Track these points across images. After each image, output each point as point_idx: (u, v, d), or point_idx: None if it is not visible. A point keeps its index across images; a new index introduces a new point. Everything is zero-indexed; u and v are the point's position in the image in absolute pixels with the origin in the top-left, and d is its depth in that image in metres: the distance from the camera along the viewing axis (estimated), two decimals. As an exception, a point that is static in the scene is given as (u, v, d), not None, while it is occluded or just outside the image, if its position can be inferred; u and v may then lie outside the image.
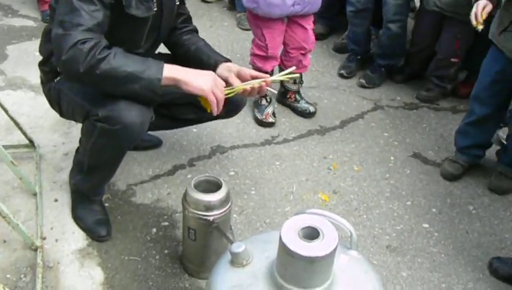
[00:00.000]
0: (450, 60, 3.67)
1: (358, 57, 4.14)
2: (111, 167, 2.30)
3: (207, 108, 2.01)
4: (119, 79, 1.85)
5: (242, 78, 2.20)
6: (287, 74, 2.26)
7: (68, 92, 2.17)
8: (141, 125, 2.03)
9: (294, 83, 3.47)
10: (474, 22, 2.59)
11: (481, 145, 3.05)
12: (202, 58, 2.35)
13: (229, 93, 2.09)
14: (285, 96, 3.56)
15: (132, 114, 1.98)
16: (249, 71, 2.24)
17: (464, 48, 3.61)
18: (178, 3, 2.31)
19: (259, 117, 3.37)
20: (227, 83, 2.14)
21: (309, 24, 3.25)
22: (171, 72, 1.92)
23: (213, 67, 2.27)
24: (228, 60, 2.33)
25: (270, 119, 3.36)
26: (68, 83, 2.17)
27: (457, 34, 3.53)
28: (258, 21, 3.13)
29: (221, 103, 1.99)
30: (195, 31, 2.53)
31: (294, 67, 2.32)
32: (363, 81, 3.95)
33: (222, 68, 2.26)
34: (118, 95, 1.95)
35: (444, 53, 3.67)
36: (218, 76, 2.11)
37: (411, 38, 4.04)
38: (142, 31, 2.15)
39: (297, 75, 2.30)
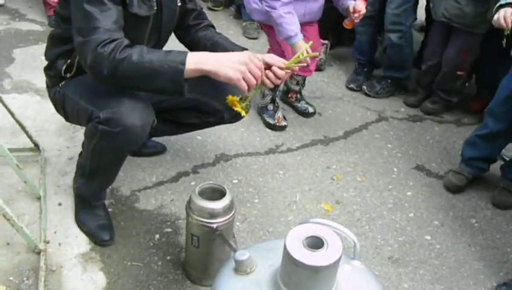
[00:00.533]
0: (455, 73, 3.66)
1: (365, 69, 4.15)
2: (112, 170, 2.30)
3: (234, 107, 1.98)
4: (141, 76, 1.84)
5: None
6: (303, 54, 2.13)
7: (73, 96, 2.18)
8: (142, 128, 2.03)
9: (297, 84, 3.56)
10: (503, 25, 2.58)
11: (487, 158, 3.05)
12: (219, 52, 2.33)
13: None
14: (287, 95, 3.66)
15: (133, 117, 1.98)
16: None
17: (470, 60, 3.60)
18: (180, 4, 2.28)
19: (271, 122, 3.42)
20: None
21: (315, 30, 3.31)
22: (195, 63, 1.87)
23: None
24: (245, 50, 2.27)
25: (283, 123, 3.43)
26: (72, 87, 2.19)
27: (464, 46, 3.52)
28: (273, 32, 3.16)
29: (257, 81, 1.94)
30: (211, 26, 2.49)
31: (311, 42, 2.23)
32: (365, 87, 3.99)
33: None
34: (147, 91, 1.96)
35: (449, 66, 3.65)
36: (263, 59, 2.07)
37: (422, 56, 4.00)
38: (144, 31, 2.14)
39: (316, 53, 2.27)
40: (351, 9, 3.04)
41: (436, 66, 3.78)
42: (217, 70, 1.88)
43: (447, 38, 3.65)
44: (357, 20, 3.10)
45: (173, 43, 2.41)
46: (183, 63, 1.84)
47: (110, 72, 1.82)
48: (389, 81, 4.01)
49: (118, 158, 2.23)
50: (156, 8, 2.11)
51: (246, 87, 1.90)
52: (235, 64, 1.89)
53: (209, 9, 5.18)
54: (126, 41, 1.87)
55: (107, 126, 1.99)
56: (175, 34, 2.47)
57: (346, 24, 3.21)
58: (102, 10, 1.87)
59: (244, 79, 1.89)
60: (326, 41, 4.27)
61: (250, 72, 1.91)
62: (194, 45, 2.42)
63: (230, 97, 2.02)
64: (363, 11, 3.05)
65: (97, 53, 1.81)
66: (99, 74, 1.85)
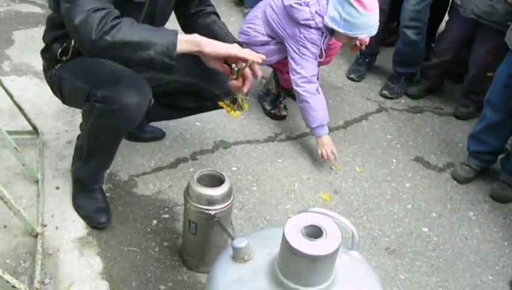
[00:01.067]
0: (485, 74, 3.49)
1: (367, 60, 4.14)
2: (109, 151, 2.30)
3: (228, 110, 2.00)
4: (132, 45, 1.79)
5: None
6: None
7: (69, 77, 2.17)
8: (139, 106, 2.02)
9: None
10: None
11: (492, 151, 3.06)
12: None
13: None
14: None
15: (131, 95, 1.98)
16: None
17: (498, 60, 3.33)
18: None
19: (272, 111, 3.41)
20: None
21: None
22: (189, 36, 1.89)
23: None
24: (237, 42, 2.26)
25: (283, 113, 3.44)
26: (68, 68, 2.17)
27: (492, 46, 3.40)
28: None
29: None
30: (213, 12, 2.44)
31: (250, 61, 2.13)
32: (385, 92, 3.90)
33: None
34: (134, 64, 1.91)
35: (478, 68, 3.55)
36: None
37: (433, 48, 3.97)
38: (138, 16, 2.12)
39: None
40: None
41: (448, 62, 3.75)
42: (213, 43, 1.90)
43: (466, 37, 3.59)
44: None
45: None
46: (176, 36, 1.82)
47: (99, 37, 1.75)
48: (402, 77, 3.95)
49: (115, 138, 2.22)
50: None
51: (249, 53, 1.93)
52: (221, 43, 1.93)
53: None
54: (117, 12, 1.82)
55: (104, 104, 1.99)
56: (178, 22, 2.46)
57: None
58: None
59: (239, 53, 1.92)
60: None
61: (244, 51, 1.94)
62: (191, 31, 2.40)
63: (221, 102, 2.10)
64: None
65: (88, 15, 1.74)
66: (86, 38, 1.76)
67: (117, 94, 1.97)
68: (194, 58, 2.00)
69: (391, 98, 3.88)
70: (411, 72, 3.98)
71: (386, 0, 3.74)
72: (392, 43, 4.50)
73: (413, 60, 3.91)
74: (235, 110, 2.11)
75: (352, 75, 4.08)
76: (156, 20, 2.23)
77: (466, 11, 3.42)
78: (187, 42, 1.86)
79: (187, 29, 2.43)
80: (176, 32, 1.84)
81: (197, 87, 2.44)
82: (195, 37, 1.89)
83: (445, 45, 3.75)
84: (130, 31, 1.78)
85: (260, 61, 2.01)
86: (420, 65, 3.99)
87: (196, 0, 2.40)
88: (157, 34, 1.82)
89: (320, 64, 3.17)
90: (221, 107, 2.40)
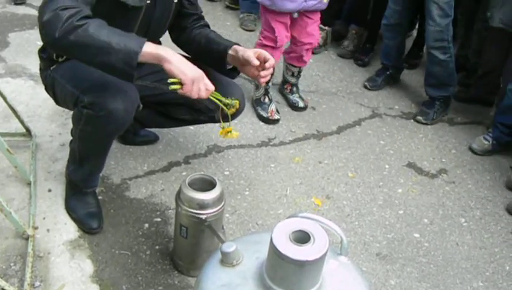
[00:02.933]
0: None
1: (388, 72, 4.11)
2: (100, 155, 2.30)
3: (176, 88, 1.89)
4: (94, 48, 1.76)
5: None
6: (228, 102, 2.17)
7: (61, 79, 2.18)
8: (125, 112, 2.02)
9: (292, 75, 3.60)
10: None
11: None
12: (213, 48, 2.33)
13: (218, 100, 2.07)
14: (284, 85, 3.71)
15: (116, 101, 1.98)
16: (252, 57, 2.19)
17: None
18: (176, 0, 2.27)
19: (264, 115, 3.43)
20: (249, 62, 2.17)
21: (317, 20, 3.34)
22: (155, 47, 1.82)
23: (224, 52, 2.27)
24: (237, 44, 2.29)
25: (276, 116, 3.44)
26: (61, 70, 2.18)
27: None
28: (269, 14, 3.21)
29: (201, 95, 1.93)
30: (206, 25, 2.49)
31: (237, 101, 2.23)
32: (420, 118, 3.76)
33: (246, 50, 2.23)
34: (96, 67, 1.86)
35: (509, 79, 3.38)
36: (243, 56, 2.15)
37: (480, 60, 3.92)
38: (134, 22, 2.13)
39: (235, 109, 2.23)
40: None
41: (490, 74, 3.75)
42: (175, 62, 1.83)
43: (505, 49, 3.56)
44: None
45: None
46: (141, 47, 1.79)
47: (62, 35, 1.74)
48: (437, 103, 3.78)
49: (105, 142, 2.23)
50: (149, 1, 2.10)
51: (191, 92, 1.89)
52: (195, 69, 1.88)
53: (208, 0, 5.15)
54: (87, 11, 1.81)
55: (91, 110, 2.01)
56: (170, 36, 2.48)
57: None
58: None
59: (193, 85, 1.88)
60: (326, 28, 4.37)
61: (197, 86, 1.90)
62: (189, 44, 2.44)
63: (220, 132, 2.17)
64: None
65: (55, 13, 1.74)
66: (50, 35, 1.76)
67: (103, 100, 1.98)
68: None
69: (426, 124, 3.75)
70: (445, 96, 3.79)
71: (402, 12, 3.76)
72: (415, 65, 4.54)
73: (445, 81, 3.73)
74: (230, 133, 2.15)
75: (366, 83, 4.10)
76: (151, 31, 2.23)
77: (494, 21, 3.43)
78: (150, 55, 1.81)
79: (181, 41, 2.46)
80: (143, 41, 1.81)
81: (192, 100, 2.44)
82: (165, 52, 1.83)
83: (485, 56, 3.75)
84: (95, 33, 1.75)
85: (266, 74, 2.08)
86: (454, 87, 3.84)
87: (195, 17, 2.44)
88: (122, 39, 1.78)
89: (297, 63, 3.48)
90: (216, 121, 2.43)
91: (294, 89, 3.66)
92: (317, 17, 3.32)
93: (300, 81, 3.65)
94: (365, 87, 4.09)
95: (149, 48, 1.80)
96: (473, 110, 3.93)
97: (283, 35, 3.25)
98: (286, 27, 3.26)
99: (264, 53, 2.21)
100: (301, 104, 3.62)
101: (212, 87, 1.95)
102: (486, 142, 3.42)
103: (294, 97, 3.64)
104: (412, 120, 3.73)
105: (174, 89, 1.88)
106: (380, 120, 3.67)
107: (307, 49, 3.41)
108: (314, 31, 3.35)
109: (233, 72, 2.35)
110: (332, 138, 3.38)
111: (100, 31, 1.77)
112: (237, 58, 2.24)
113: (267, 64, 2.20)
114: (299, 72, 3.59)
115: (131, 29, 2.13)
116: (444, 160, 3.32)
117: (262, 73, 2.21)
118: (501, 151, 3.44)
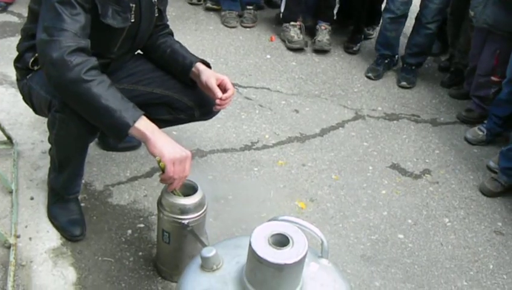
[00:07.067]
0: (490, 78, 3.62)
1: (386, 61, 4.33)
2: (77, 159, 2.29)
3: (162, 169, 1.93)
4: (92, 107, 1.85)
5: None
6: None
7: (35, 86, 2.18)
8: None
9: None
10: None
11: None
12: (178, 60, 2.38)
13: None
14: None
15: None
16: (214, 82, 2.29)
17: (503, 66, 3.44)
18: (157, 14, 2.30)
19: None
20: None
21: None
22: (145, 126, 1.89)
23: (188, 68, 2.33)
24: (203, 60, 2.37)
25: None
26: (36, 78, 2.18)
27: (497, 50, 3.51)
28: None
29: (178, 182, 1.95)
30: (171, 34, 2.54)
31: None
32: (404, 83, 4.19)
33: (209, 75, 2.30)
34: (88, 118, 1.94)
35: (483, 69, 3.67)
36: (206, 83, 2.23)
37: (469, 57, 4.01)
38: (116, 40, 2.15)
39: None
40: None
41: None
42: (158, 145, 1.88)
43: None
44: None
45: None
46: (135, 121, 1.86)
47: (67, 84, 1.82)
48: (413, 67, 4.28)
49: (81, 146, 2.22)
50: (133, 20, 2.12)
51: (171, 175, 1.90)
52: (176, 149, 1.91)
53: (190, 3, 5.10)
54: (94, 61, 1.87)
55: (62, 113, 2.02)
56: None
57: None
58: (72, 14, 1.86)
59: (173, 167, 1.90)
60: (325, 24, 4.51)
61: (179, 167, 1.92)
62: (153, 51, 2.46)
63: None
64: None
65: (63, 59, 1.80)
66: (56, 77, 1.83)
67: None
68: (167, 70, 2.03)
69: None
70: (422, 62, 4.30)
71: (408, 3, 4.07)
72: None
73: (427, 50, 4.27)
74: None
75: (369, 74, 4.28)
76: (137, 41, 2.27)
77: (478, 21, 3.54)
78: (139, 132, 1.87)
79: (144, 48, 2.47)
80: (138, 115, 1.88)
81: (170, 99, 2.45)
82: (152, 133, 1.88)
83: (472, 54, 3.86)
84: (97, 93, 1.83)
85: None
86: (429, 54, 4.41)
87: (161, 25, 2.49)
88: (119, 107, 1.85)
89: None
90: (197, 119, 2.45)
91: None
92: None
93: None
94: (369, 78, 4.26)
95: (141, 125, 1.88)
96: (454, 109, 3.95)
97: None
98: None
99: (226, 81, 2.29)
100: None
101: (187, 174, 1.98)
102: (480, 133, 3.58)
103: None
104: (396, 121, 3.75)
105: (161, 168, 1.92)
106: (363, 122, 3.68)
107: None
108: None
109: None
110: (316, 141, 3.38)
111: (102, 92, 1.84)
112: (199, 79, 2.33)
113: (225, 95, 2.27)
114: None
115: (114, 45, 2.17)
116: (427, 160, 3.34)
117: (219, 101, 2.28)
118: (493, 141, 3.58)
